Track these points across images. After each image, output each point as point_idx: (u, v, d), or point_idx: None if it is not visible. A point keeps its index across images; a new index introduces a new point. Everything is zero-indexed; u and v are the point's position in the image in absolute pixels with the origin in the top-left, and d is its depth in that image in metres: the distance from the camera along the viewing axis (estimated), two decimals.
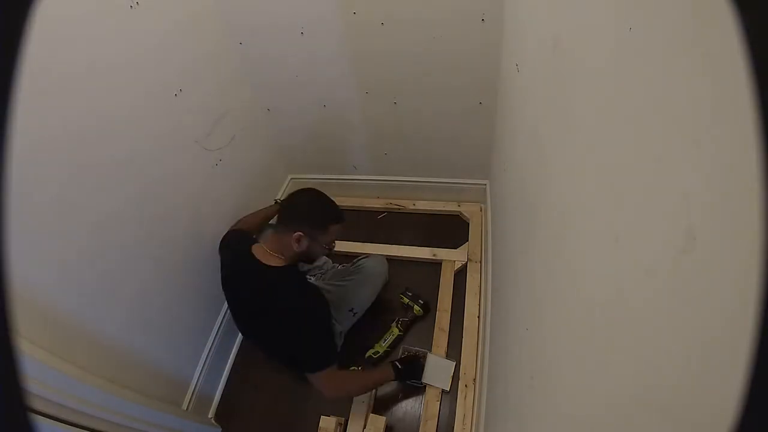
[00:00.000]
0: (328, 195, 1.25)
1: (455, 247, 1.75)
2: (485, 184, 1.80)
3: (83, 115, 0.95)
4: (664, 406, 0.27)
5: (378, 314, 1.53)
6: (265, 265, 1.19)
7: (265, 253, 1.21)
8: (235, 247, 1.31)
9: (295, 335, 1.15)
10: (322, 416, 1.32)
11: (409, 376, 1.33)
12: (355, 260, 1.56)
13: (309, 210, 1.20)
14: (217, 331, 1.51)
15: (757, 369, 0.14)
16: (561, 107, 0.55)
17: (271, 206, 1.65)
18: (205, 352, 1.46)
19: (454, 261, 1.70)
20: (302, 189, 1.25)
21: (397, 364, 1.30)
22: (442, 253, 1.74)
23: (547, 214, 0.63)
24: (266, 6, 1.39)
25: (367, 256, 1.55)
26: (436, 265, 1.72)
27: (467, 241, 1.76)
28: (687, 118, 0.25)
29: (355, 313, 1.41)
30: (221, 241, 1.38)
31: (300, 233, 1.15)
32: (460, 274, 1.67)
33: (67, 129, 0.91)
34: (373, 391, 1.38)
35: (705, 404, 0.23)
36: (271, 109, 1.74)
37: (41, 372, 0.80)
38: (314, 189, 1.25)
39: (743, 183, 0.19)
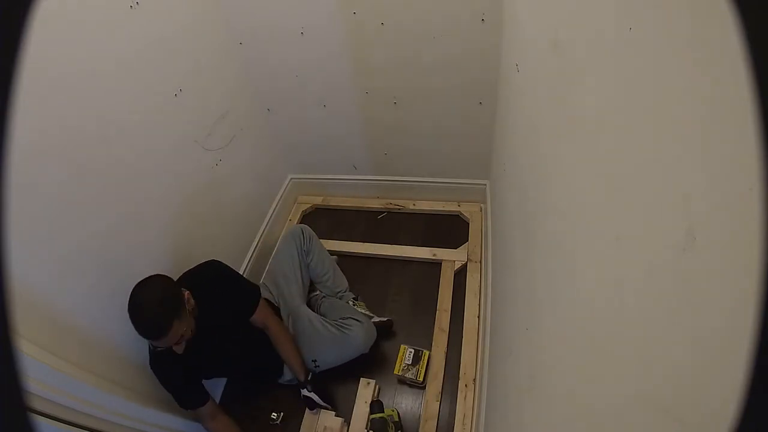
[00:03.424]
0: (159, 301, 1.01)
1: (455, 247, 1.75)
2: (485, 184, 1.80)
3: (83, 115, 0.95)
4: (664, 406, 0.27)
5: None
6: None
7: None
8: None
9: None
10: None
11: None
12: (354, 306, 1.51)
13: (161, 300, 1.02)
14: None
15: (757, 369, 0.14)
16: (561, 107, 0.55)
17: (301, 364, 1.39)
18: None
19: (454, 261, 1.70)
20: (146, 281, 1.04)
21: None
22: (442, 253, 1.74)
23: (547, 213, 0.63)
24: (266, 6, 1.39)
25: (360, 322, 1.39)
26: (436, 265, 1.72)
27: (467, 241, 1.76)
28: (687, 118, 0.25)
29: (317, 366, 1.37)
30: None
31: (176, 321, 1.04)
32: (460, 274, 1.67)
33: (66, 129, 0.91)
34: (375, 390, 1.38)
35: (705, 404, 0.23)
36: (271, 109, 1.74)
37: (41, 372, 0.80)
38: (149, 291, 1.02)
39: (743, 183, 0.19)
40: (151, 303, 0.99)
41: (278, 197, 1.96)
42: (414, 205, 1.95)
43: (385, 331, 1.50)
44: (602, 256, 0.38)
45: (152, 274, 1.07)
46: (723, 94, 0.21)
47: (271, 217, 1.87)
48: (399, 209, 1.96)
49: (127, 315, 0.98)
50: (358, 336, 1.36)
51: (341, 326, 1.39)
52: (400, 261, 1.77)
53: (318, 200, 2.08)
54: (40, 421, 0.80)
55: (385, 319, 1.53)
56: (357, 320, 1.40)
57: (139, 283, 1.03)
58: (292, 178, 2.05)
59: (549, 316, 0.58)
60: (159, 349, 1.09)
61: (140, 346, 1.16)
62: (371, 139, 1.76)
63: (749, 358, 0.15)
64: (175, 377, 1.17)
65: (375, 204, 2.00)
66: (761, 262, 0.15)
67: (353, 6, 1.32)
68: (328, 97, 1.63)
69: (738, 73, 0.16)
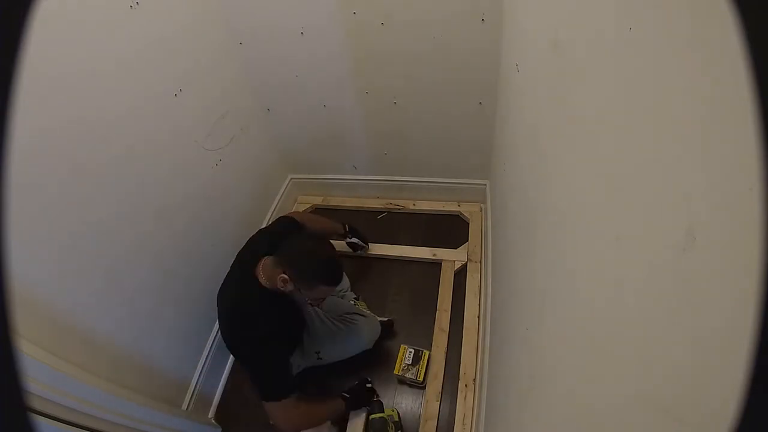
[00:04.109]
0: (333, 246, 1.19)
1: (455, 247, 1.75)
2: (485, 184, 1.80)
3: (83, 115, 0.95)
4: (664, 406, 0.27)
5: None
6: (258, 281, 1.15)
7: (260, 272, 1.16)
8: (245, 256, 1.25)
9: (251, 360, 1.13)
10: None
11: (354, 407, 1.30)
12: (355, 306, 1.52)
13: (303, 260, 1.11)
14: (218, 332, 1.51)
15: (757, 369, 0.14)
16: (561, 107, 0.55)
17: (336, 224, 1.61)
18: (205, 352, 1.46)
19: (454, 261, 1.70)
20: (312, 235, 1.24)
21: (346, 395, 1.29)
22: (442, 253, 1.74)
23: (547, 213, 0.63)
24: (266, 6, 1.39)
25: (366, 316, 1.43)
26: (436, 265, 1.72)
27: (467, 241, 1.76)
28: (687, 118, 0.25)
29: (319, 358, 1.37)
30: (249, 240, 1.32)
31: (285, 277, 1.09)
32: (460, 274, 1.67)
33: (66, 129, 0.91)
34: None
35: (705, 404, 0.23)
36: (271, 109, 1.74)
37: (41, 372, 0.80)
38: (324, 240, 1.21)
39: (743, 183, 0.19)
40: (329, 248, 1.17)
41: (278, 197, 1.96)
42: (414, 205, 1.95)
43: (386, 331, 1.50)
44: (602, 256, 0.38)
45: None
46: (723, 94, 0.21)
47: (271, 217, 1.87)
48: (399, 209, 1.96)
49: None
50: (362, 330, 1.37)
51: (345, 321, 1.40)
52: (400, 261, 1.77)
53: (318, 200, 2.08)
54: (40, 421, 0.79)
55: (386, 319, 1.53)
56: (361, 315, 1.43)
57: (312, 236, 1.21)
58: (292, 178, 2.05)
59: (549, 316, 0.58)
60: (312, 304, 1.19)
61: (141, 346, 1.16)
62: (371, 139, 1.76)
63: (749, 358, 0.15)
64: (286, 343, 1.21)
65: (375, 204, 2.00)
66: (761, 262, 0.15)
67: (353, 6, 1.32)
68: (328, 97, 1.63)
69: (738, 73, 0.16)
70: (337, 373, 1.44)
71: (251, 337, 1.11)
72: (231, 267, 1.27)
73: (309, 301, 1.18)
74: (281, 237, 1.23)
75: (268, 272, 1.14)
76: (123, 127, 1.07)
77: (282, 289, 1.12)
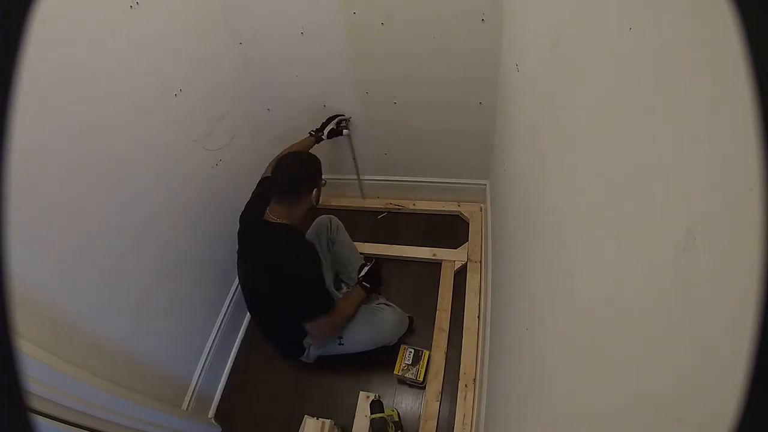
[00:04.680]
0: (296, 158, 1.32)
1: (455, 247, 1.75)
2: (485, 184, 1.80)
3: (83, 115, 0.95)
4: (664, 406, 0.27)
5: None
6: (280, 225, 1.26)
7: (279, 220, 1.27)
8: (252, 222, 1.34)
9: (291, 286, 1.23)
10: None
11: (374, 288, 1.43)
12: (381, 295, 1.55)
13: (307, 168, 1.29)
14: (217, 332, 1.51)
15: (757, 369, 0.14)
16: (561, 107, 0.55)
17: (307, 138, 1.64)
18: (205, 352, 1.46)
19: (454, 261, 1.70)
20: (282, 159, 1.30)
21: (364, 283, 1.40)
22: (442, 253, 1.74)
23: (547, 213, 0.63)
24: (266, 6, 1.39)
25: (392, 307, 1.47)
26: (436, 265, 1.72)
27: (467, 241, 1.76)
28: (687, 118, 0.25)
29: (341, 343, 1.38)
30: (241, 217, 1.39)
31: (315, 188, 1.28)
32: (460, 274, 1.67)
33: (66, 129, 0.91)
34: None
35: (705, 404, 0.23)
36: (271, 109, 1.74)
37: (41, 372, 0.80)
38: (289, 154, 1.35)
39: (743, 183, 0.19)
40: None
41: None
42: (414, 205, 1.95)
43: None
44: (602, 256, 0.38)
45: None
46: (723, 94, 0.21)
47: None
48: (399, 209, 1.96)
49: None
50: (388, 318, 1.41)
51: (374, 309, 1.43)
52: (400, 261, 1.77)
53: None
54: (40, 421, 0.79)
55: (407, 315, 1.53)
56: (389, 305, 1.46)
57: (286, 155, 1.34)
58: None
59: (549, 316, 0.58)
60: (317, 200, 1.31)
61: (141, 346, 1.16)
62: (371, 139, 1.76)
63: (749, 358, 0.15)
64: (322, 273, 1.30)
65: (375, 204, 2.00)
66: (761, 262, 0.15)
67: (353, 6, 1.32)
68: (328, 96, 1.63)
69: (738, 73, 0.16)
70: (337, 373, 1.44)
71: (299, 271, 1.23)
72: (240, 243, 1.35)
73: (324, 183, 1.34)
74: (259, 207, 1.33)
75: (282, 213, 1.26)
76: (123, 127, 1.07)
77: (314, 204, 1.30)
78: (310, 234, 1.61)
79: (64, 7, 0.88)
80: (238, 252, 1.35)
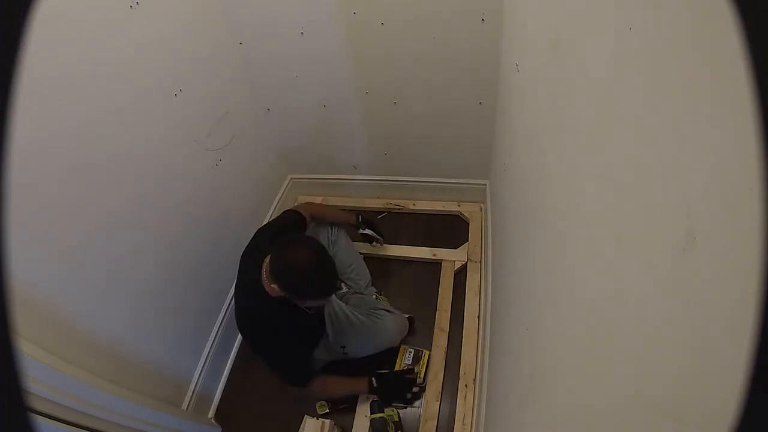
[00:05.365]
0: (328, 255, 1.10)
1: (455, 247, 1.75)
2: (485, 184, 1.80)
3: (83, 115, 0.95)
4: (664, 406, 0.27)
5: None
6: (260, 284, 1.11)
7: (264, 276, 1.11)
8: (253, 252, 1.23)
9: (268, 359, 1.23)
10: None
11: (383, 396, 1.30)
12: (380, 300, 1.55)
13: (288, 275, 1.04)
14: (217, 331, 1.51)
15: (757, 369, 0.14)
16: (561, 107, 0.55)
17: (349, 215, 1.61)
18: (205, 352, 1.46)
19: (454, 261, 1.70)
20: (304, 243, 1.10)
21: (373, 380, 1.30)
22: (442, 253, 1.74)
23: (547, 213, 0.63)
24: (266, 6, 1.39)
25: (392, 312, 1.45)
26: (436, 265, 1.71)
27: (467, 241, 1.76)
28: (687, 118, 0.25)
29: (345, 353, 1.37)
30: (254, 236, 1.32)
31: (276, 288, 1.05)
32: (460, 274, 1.67)
33: (66, 129, 0.91)
34: None
35: (705, 404, 0.23)
36: (271, 109, 1.74)
37: (41, 372, 0.80)
38: (315, 251, 1.08)
39: (743, 183, 0.19)
40: (327, 258, 1.08)
41: (278, 197, 1.96)
42: (414, 205, 1.95)
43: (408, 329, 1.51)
44: (602, 256, 0.38)
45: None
46: (723, 94, 0.21)
47: (271, 217, 1.86)
48: (399, 209, 1.96)
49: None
50: (389, 325, 1.39)
51: (371, 315, 1.41)
52: (400, 261, 1.77)
53: (318, 200, 2.07)
54: (40, 421, 0.79)
55: (407, 315, 1.53)
56: (388, 311, 1.44)
57: (295, 243, 1.09)
58: (292, 178, 2.05)
59: (549, 316, 0.58)
60: (310, 310, 1.17)
61: (141, 346, 1.16)
62: (371, 139, 1.76)
63: (749, 358, 0.15)
64: (300, 343, 1.25)
65: (375, 204, 1.99)
66: (761, 262, 0.15)
67: (353, 6, 1.32)
68: (328, 97, 1.63)
69: (738, 73, 0.16)
70: (338, 374, 1.43)
71: (265, 342, 1.17)
72: (239, 265, 1.26)
73: (306, 308, 1.17)
74: (285, 234, 1.25)
75: (267, 273, 1.10)
76: (123, 127, 1.07)
77: (271, 293, 1.08)
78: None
79: (64, 7, 0.88)
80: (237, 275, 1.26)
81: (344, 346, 1.36)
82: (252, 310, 1.17)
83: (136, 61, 1.10)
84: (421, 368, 1.39)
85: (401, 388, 1.33)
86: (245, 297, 1.20)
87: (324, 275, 1.07)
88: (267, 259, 1.12)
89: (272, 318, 1.15)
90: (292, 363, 1.22)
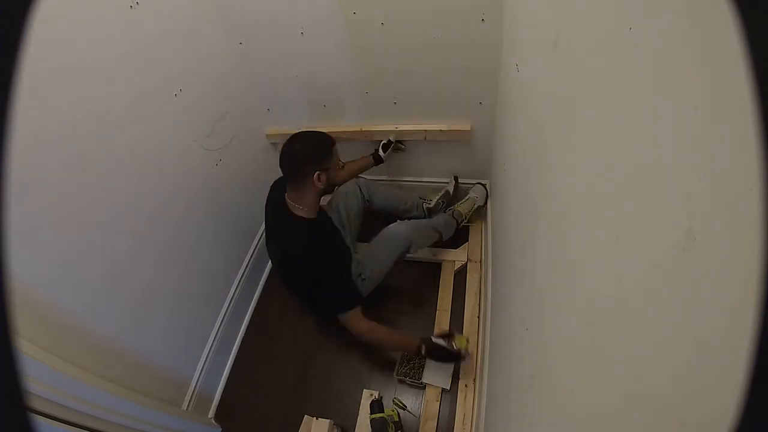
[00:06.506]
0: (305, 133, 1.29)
1: (455, 247, 1.75)
2: (485, 184, 1.80)
3: (83, 115, 0.95)
4: (664, 406, 0.27)
5: None
6: (294, 216, 1.25)
7: (293, 205, 1.26)
8: (274, 200, 1.35)
9: (318, 282, 1.24)
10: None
11: (435, 357, 1.29)
12: (426, 199, 1.66)
13: (310, 149, 1.23)
14: (217, 332, 1.51)
15: (757, 368, 0.14)
16: (561, 107, 0.55)
17: (364, 158, 1.64)
18: (205, 352, 1.46)
19: (454, 261, 1.70)
20: (289, 140, 1.26)
21: (424, 346, 1.26)
22: (442, 253, 1.74)
23: (547, 213, 0.63)
24: (266, 6, 1.39)
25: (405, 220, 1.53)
26: (436, 265, 1.71)
27: (467, 241, 1.76)
28: (687, 118, 0.25)
29: (363, 279, 1.36)
30: (270, 190, 1.42)
31: (317, 172, 1.21)
32: (460, 274, 1.67)
33: (66, 129, 0.91)
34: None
35: (705, 404, 0.23)
36: (270, 109, 1.74)
37: (41, 372, 0.80)
38: (297, 133, 1.28)
39: (743, 183, 0.19)
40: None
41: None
42: None
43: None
44: (602, 256, 0.38)
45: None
46: (723, 94, 0.21)
47: None
48: None
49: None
50: (395, 229, 1.42)
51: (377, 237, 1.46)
52: (400, 261, 1.77)
53: None
54: (40, 421, 0.79)
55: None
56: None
57: (288, 140, 1.26)
58: None
59: (549, 316, 0.58)
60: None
61: (141, 346, 1.16)
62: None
63: (749, 358, 0.15)
64: (348, 266, 1.31)
65: None
66: (761, 262, 0.15)
67: (353, 6, 1.32)
68: (328, 97, 1.63)
69: (738, 73, 0.16)
70: (337, 373, 1.44)
71: (317, 266, 1.22)
72: (266, 222, 1.41)
73: (339, 166, 1.31)
74: (278, 195, 1.33)
75: (297, 199, 1.25)
76: (123, 126, 1.07)
77: (320, 187, 1.23)
78: (335, 204, 1.58)
79: (64, 7, 0.88)
80: (265, 230, 1.42)
81: (361, 274, 1.38)
82: (299, 244, 1.24)
83: (137, 62, 1.10)
84: (461, 345, 1.32)
85: (447, 358, 1.30)
86: (287, 240, 1.28)
87: (321, 133, 1.29)
88: (288, 193, 1.28)
89: (319, 236, 1.27)
90: (343, 281, 1.27)
